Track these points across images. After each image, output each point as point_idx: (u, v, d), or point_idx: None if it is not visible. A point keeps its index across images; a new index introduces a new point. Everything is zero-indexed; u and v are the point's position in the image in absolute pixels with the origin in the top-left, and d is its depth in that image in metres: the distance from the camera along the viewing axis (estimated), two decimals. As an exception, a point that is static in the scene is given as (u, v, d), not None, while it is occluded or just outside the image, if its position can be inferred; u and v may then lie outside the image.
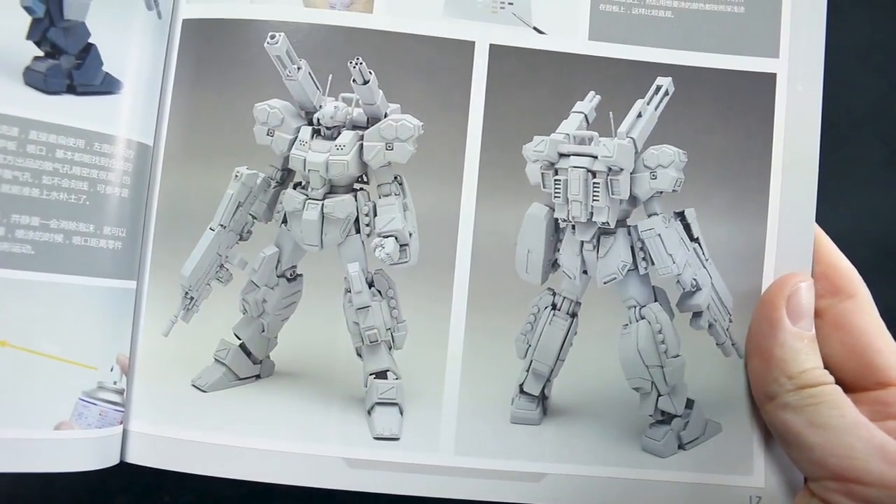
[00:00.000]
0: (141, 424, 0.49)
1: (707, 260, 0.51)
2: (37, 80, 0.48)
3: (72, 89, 0.49)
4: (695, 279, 0.51)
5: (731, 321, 0.50)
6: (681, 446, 0.50)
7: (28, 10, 0.48)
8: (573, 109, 0.51)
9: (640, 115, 0.50)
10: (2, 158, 0.46)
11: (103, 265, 0.48)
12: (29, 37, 0.49)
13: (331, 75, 0.52)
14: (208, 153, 0.51)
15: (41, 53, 0.49)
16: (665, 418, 0.51)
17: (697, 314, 0.51)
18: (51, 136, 0.47)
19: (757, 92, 0.50)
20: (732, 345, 0.50)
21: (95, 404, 0.47)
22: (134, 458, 0.48)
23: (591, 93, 0.51)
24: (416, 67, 0.51)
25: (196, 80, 0.50)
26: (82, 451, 0.47)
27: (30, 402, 0.46)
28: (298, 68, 0.50)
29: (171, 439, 0.48)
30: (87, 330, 0.48)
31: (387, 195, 0.53)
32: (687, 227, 0.51)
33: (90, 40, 0.49)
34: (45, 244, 0.47)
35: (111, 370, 0.48)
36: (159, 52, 0.50)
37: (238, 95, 0.51)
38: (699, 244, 0.51)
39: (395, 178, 0.53)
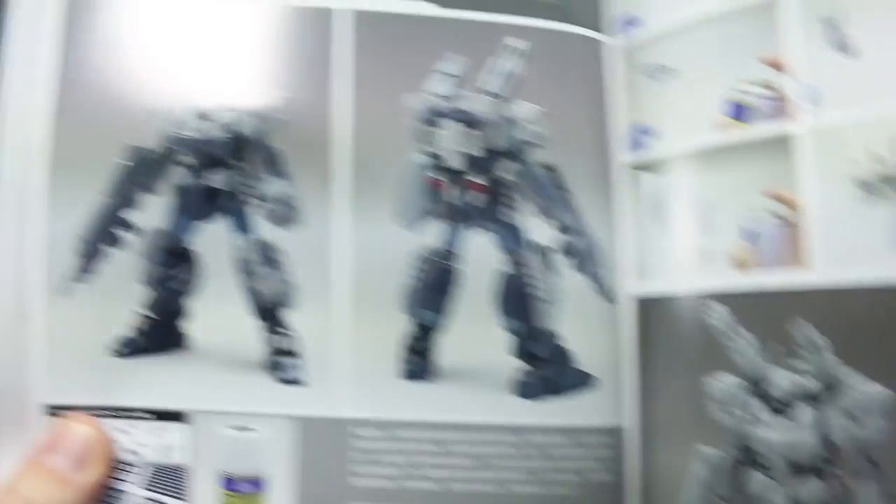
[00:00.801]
0: None
1: None
2: (521, 388, 0.55)
3: (551, 391, 0.54)
4: None
5: None
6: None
7: (513, 332, 0.56)
8: None
9: None
10: (504, 462, 0.53)
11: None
12: (510, 353, 0.56)
13: (775, 342, 0.48)
14: (674, 431, 0.53)
15: (523, 364, 0.55)
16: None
17: None
18: (540, 437, 0.53)
19: None
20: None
21: None
22: None
23: None
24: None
25: (655, 359, 0.53)
26: None
27: None
28: (743, 339, 0.49)
29: None
30: None
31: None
32: None
33: (560, 343, 0.55)
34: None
35: None
36: (619, 334, 0.55)
37: (693, 371, 0.52)
38: None
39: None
